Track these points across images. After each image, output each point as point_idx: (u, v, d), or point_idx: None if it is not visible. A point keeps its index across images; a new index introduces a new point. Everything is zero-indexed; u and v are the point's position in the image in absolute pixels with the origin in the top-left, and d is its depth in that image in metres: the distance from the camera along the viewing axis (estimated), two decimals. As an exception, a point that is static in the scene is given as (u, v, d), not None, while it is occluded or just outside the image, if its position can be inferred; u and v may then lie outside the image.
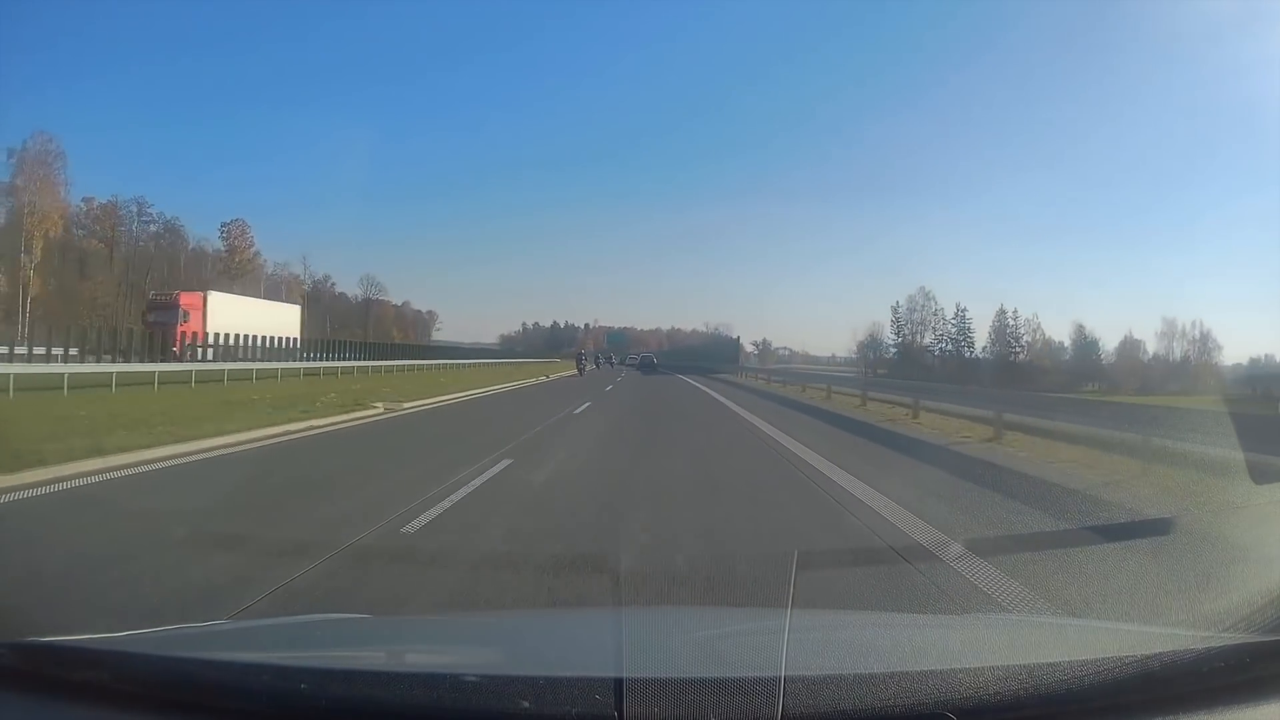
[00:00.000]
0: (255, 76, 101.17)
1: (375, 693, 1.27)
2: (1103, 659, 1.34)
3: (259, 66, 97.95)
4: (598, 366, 58.17)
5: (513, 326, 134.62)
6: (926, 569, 4.37)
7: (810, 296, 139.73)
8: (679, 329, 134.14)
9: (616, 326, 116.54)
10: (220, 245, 74.72)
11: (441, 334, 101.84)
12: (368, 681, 1.34)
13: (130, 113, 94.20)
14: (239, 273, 73.27)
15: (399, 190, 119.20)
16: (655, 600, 3.68)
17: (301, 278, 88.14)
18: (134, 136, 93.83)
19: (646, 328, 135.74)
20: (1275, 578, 4.56)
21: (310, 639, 2.00)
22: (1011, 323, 74.31)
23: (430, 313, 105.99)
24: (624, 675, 1.24)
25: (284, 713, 1.25)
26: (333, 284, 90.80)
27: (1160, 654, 1.34)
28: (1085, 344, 72.29)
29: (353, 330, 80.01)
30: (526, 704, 1.19)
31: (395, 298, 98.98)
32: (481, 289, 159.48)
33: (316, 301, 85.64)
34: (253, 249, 76.05)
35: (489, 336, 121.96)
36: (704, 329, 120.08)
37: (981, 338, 74.64)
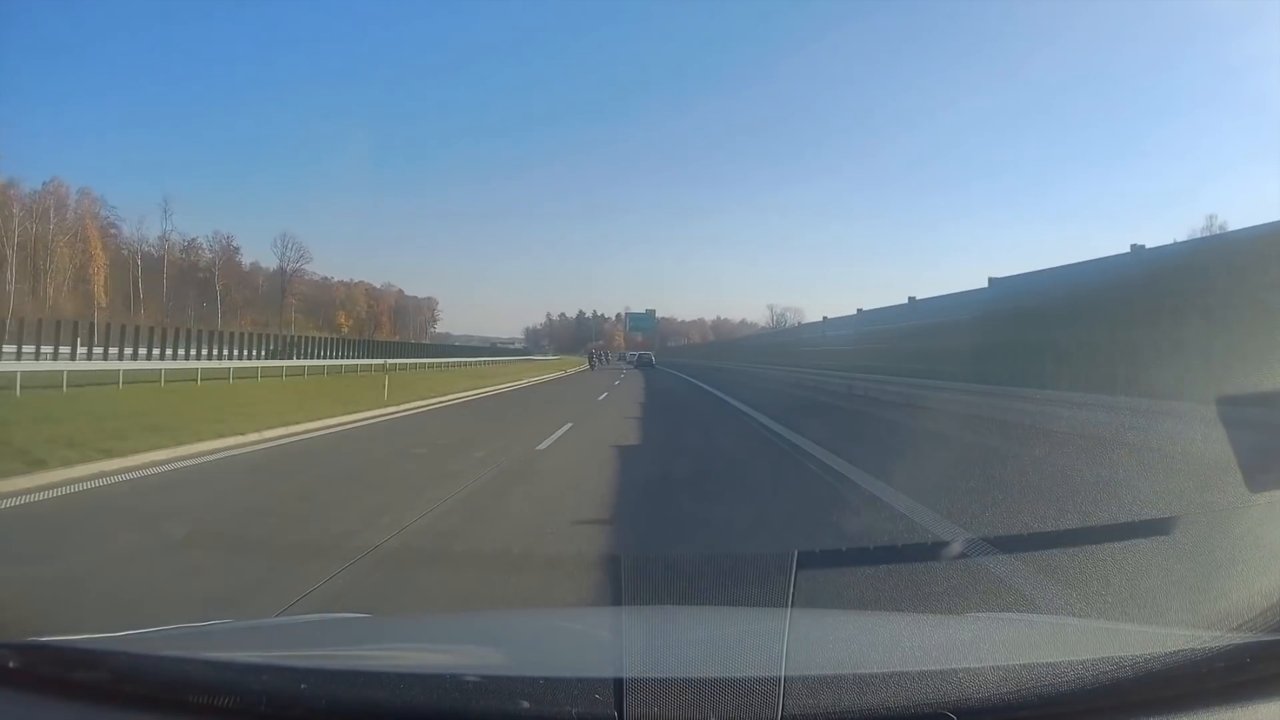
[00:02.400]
0: (242, 53, 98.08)
1: (375, 693, 1.27)
2: (1103, 659, 1.34)
3: (244, 43, 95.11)
4: (602, 363, 67.57)
5: (538, 318, 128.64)
6: None
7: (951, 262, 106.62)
8: (725, 319, 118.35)
9: (643, 310, 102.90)
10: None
11: (446, 326, 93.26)
12: (368, 681, 1.35)
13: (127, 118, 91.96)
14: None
15: (407, 185, 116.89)
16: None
17: (161, 239, 62.70)
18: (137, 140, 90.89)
19: (688, 318, 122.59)
20: (1277, 578, 4.53)
21: (310, 639, 2.01)
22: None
23: (429, 299, 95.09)
24: (624, 675, 1.24)
25: (284, 713, 1.25)
26: (238, 250, 70.13)
27: (1160, 654, 1.35)
28: None
29: (258, 313, 62.99)
30: (526, 704, 1.19)
31: (377, 282, 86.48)
32: (503, 280, 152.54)
33: (190, 274, 65.57)
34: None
35: (514, 329, 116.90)
36: (762, 319, 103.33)
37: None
